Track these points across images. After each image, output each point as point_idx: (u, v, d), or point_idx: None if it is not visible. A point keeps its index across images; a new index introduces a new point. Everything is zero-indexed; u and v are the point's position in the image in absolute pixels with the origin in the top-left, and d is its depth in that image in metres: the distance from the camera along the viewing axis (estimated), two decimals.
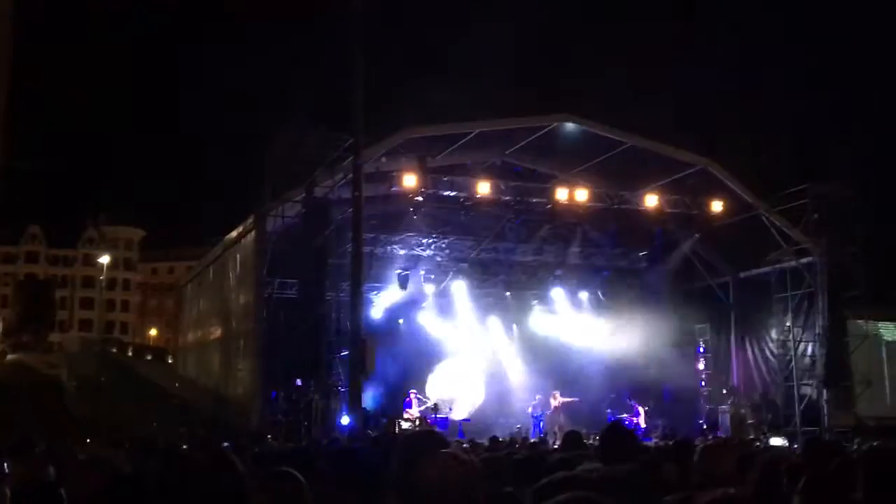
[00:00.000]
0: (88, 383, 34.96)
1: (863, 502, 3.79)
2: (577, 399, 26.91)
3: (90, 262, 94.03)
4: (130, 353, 63.28)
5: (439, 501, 3.12)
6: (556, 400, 26.82)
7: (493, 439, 16.75)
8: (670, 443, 11.41)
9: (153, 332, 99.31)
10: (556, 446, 14.44)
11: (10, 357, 44.96)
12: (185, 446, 9.21)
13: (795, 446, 20.15)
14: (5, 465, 4.16)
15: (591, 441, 10.02)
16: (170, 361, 54.70)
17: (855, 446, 11.61)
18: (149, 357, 61.97)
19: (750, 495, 4.05)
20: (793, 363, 25.30)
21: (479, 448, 12.22)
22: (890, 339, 26.38)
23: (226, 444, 9.75)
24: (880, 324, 26.25)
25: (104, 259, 73.44)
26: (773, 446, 19.92)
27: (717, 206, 24.96)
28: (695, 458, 4.48)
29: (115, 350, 63.14)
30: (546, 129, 24.74)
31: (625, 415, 25.94)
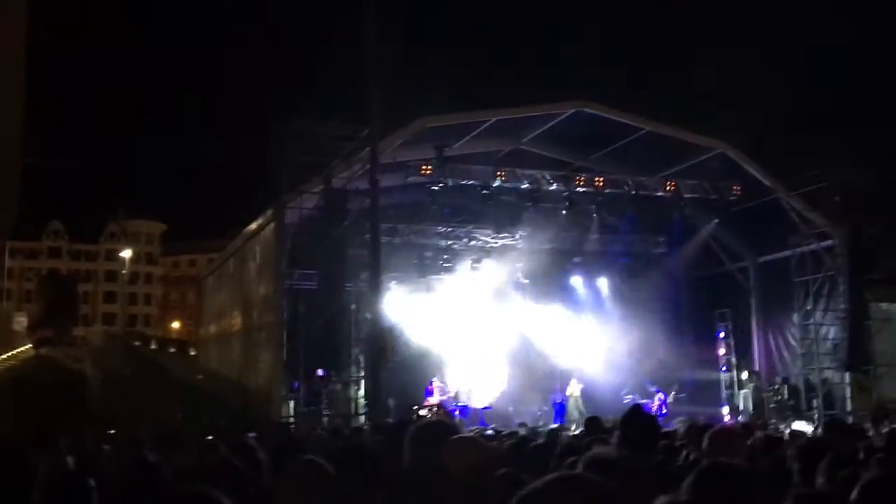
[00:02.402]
0: (112, 376, 35.26)
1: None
2: (592, 385, 26.99)
3: (112, 256, 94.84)
4: (153, 346, 63.76)
5: (455, 485, 3.18)
6: (576, 386, 26.85)
7: (521, 425, 16.87)
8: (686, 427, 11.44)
9: (175, 324, 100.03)
10: (576, 432, 14.50)
11: (38, 351, 45.37)
12: (209, 437, 9.33)
13: (819, 430, 20.12)
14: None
15: (608, 425, 10.06)
16: (192, 353, 55.09)
17: (879, 429, 11.62)
18: (171, 349, 62.40)
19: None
20: (814, 347, 25.18)
21: (500, 435, 12.31)
22: None
23: (251, 434, 9.87)
24: None
25: (126, 253, 74.13)
26: (796, 431, 19.87)
27: (735, 190, 24.85)
28: (703, 444, 4.51)
29: (138, 343, 63.68)
30: (562, 116, 24.70)
31: (645, 400, 25.93)
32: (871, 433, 11.05)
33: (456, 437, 3.50)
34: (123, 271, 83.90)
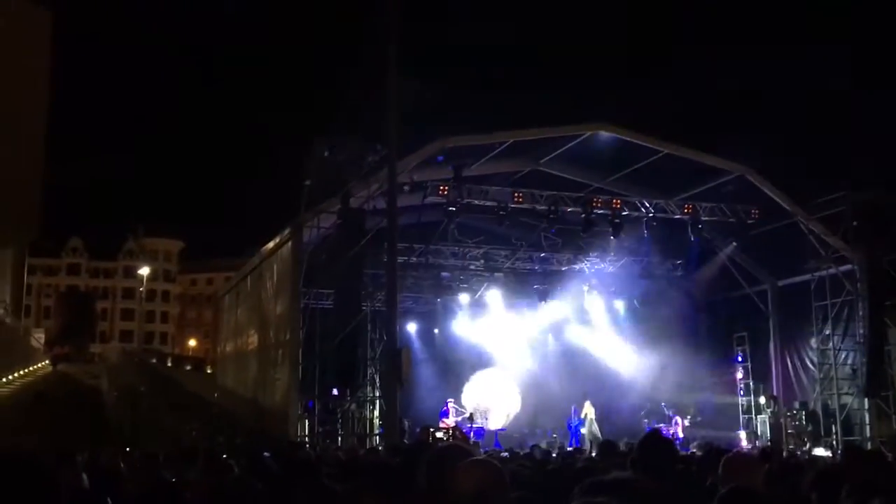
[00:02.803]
0: (128, 393, 35.38)
1: None
2: (609, 407, 26.88)
3: (130, 273, 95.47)
4: (170, 364, 63.99)
5: None
6: (590, 408, 26.73)
7: (535, 447, 16.79)
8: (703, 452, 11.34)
9: (192, 342, 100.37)
10: (591, 455, 14.40)
11: (56, 368, 45.73)
12: (224, 455, 9.32)
13: (839, 455, 19.91)
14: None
15: (623, 448, 10.01)
16: (208, 371, 55.23)
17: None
18: (188, 367, 62.65)
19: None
20: (833, 372, 24.97)
21: (516, 457, 12.25)
22: None
23: (266, 453, 9.85)
24: None
25: (144, 271, 74.53)
26: (816, 457, 19.68)
27: (754, 214, 24.76)
28: (719, 471, 4.46)
29: (154, 360, 63.90)
30: (581, 138, 24.72)
31: (662, 425, 25.76)
32: (890, 459, 10.93)
33: (470, 459, 3.48)
34: (141, 289, 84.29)
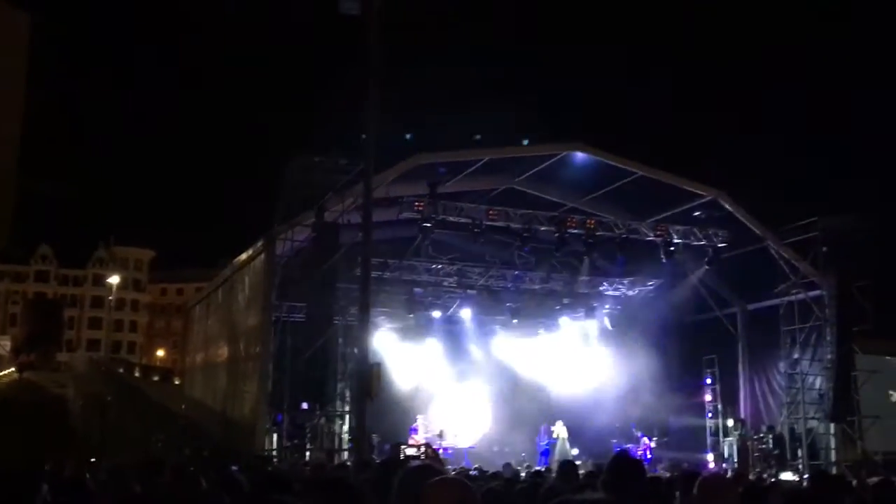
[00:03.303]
0: (94, 403, 34.92)
1: None
2: (579, 427, 26.91)
3: (100, 282, 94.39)
4: (137, 374, 63.24)
5: None
6: (562, 429, 26.73)
7: (507, 465, 16.74)
8: (676, 474, 11.38)
9: (160, 352, 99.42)
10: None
11: (21, 376, 45.00)
12: (191, 468, 9.22)
13: (805, 480, 20.05)
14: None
15: (592, 469, 10.01)
16: (176, 382, 54.68)
17: (864, 481, 11.58)
18: (155, 377, 61.92)
19: None
20: (800, 396, 25.17)
21: (485, 476, 12.23)
22: None
23: (233, 466, 9.78)
24: (890, 358, 26.18)
25: (114, 279, 73.64)
26: (783, 480, 19.79)
27: (725, 237, 24.98)
28: (694, 491, 4.48)
29: (121, 370, 63.14)
30: (556, 158, 24.84)
31: (630, 445, 25.82)
32: (854, 484, 11.02)
33: (438, 478, 3.47)
34: (110, 297, 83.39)
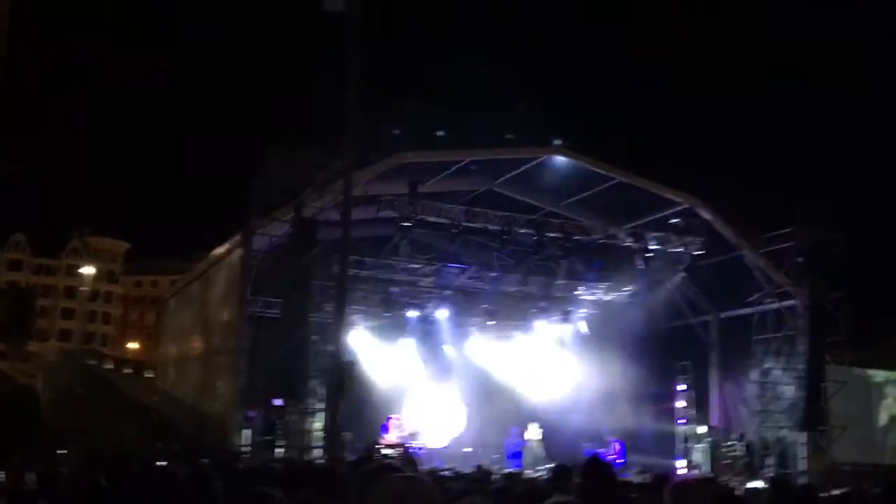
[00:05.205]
0: (65, 394, 34.70)
1: None
2: (551, 431, 26.98)
3: (73, 272, 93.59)
4: (109, 366, 62.70)
5: None
6: (536, 431, 26.79)
7: (479, 467, 16.76)
8: (647, 478, 11.42)
9: (133, 345, 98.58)
10: (535, 475, 14.41)
11: None
12: (162, 462, 9.18)
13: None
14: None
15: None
16: (149, 375, 54.25)
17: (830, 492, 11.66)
18: (127, 370, 61.38)
19: None
20: (771, 405, 25.36)
21: (459, 476, 12.23)
22: (870, 384, 26.62)
23: (204, 460, 9.73)
24: (860, 370, 26.45)
25: (88, 270, 73.10)
26: (751, 488, 19.91)
27: (701, 245, 25.13)
28: (665, 495, 4.50)
29: (93, 362, 62.57)
30: (536, 161, 24.91)
31: (602, 449, 25.89)
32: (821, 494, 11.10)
33: (399, 475, 3.46)
34: (83, 288, 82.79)
